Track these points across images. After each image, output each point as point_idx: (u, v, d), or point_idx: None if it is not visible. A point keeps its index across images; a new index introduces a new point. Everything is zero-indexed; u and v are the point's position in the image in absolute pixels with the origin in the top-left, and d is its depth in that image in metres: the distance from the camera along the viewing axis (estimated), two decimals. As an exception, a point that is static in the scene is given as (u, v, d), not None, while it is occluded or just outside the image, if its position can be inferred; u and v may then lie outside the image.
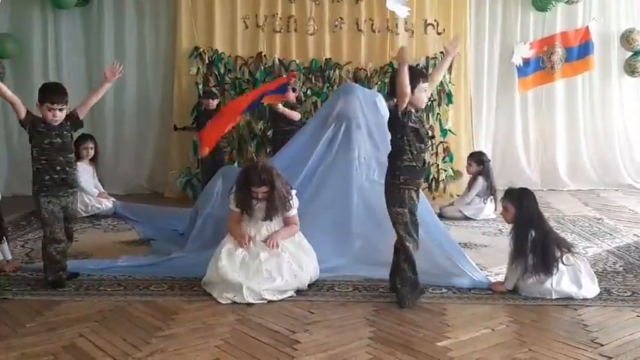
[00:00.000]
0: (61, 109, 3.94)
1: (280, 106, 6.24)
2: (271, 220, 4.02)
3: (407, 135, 3.73)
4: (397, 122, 3.76)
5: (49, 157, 3.96)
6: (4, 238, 4.42)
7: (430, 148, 7.30)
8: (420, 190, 3.95)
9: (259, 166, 3.97)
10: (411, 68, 3.68)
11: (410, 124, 3.72)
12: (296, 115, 6.34)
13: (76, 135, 4.49)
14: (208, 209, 4.83)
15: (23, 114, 3.92)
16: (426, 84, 3.80)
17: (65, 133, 3.99)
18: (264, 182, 3.91)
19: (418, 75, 3.77)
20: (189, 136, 7.43)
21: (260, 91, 6.33)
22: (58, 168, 3.97)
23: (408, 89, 3.63)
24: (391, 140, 3.84)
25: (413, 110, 3.74)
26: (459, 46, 3.73)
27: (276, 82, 6.64)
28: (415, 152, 3.75)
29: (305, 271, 3.93)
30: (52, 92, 3.98)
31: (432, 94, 7.03)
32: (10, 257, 4.39)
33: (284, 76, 7.07)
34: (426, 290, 3.89)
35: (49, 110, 3.91)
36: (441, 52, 7.69)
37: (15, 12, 7.58)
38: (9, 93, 3.87)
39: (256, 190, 3.93)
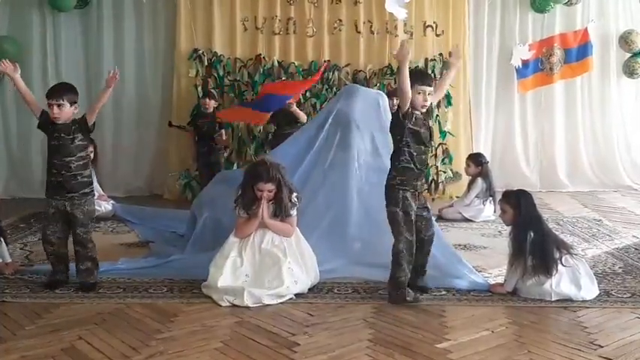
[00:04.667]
0: (59, 106, 3.87)
1: (294, 105, 6.25)
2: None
3: (406, 136, 3.73)
4: (397, 123, 3.77)
5: (49, 159, 3.96)
6: (3, 240, 4.42)
7: (430, 150, 7.30)
8: (422, 193, 3.95)
9: (268, 163, 3.96)
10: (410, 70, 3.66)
11: (410, 125, 3.72)
12: (303, 117, 6.34)
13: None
14: (207, 213, 4.81)
15: (37, 113, 3.97)
16: (425, 87, 3.74)
17: (64, 135, 3.91)
18: (271, 179, 3.86)
19: (417, 77, 3.75)
20: (188, 138, 7.42)
21: (303, 85, 6.50)
22: (54, 171, 3.93)
23: (409, 89, 3.62)
24: (392, 140, 3.84)
25: (417, 112, 3.75)
26: (460, 58, 3.50)
27: (316, 75, 6.91)
28: (414, 154, 3.76)
29: (306, 275, 3.93)
30: (51, 88, 4.03)
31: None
32: (9, 260, 4.38)
33: (320, 69, 7.15)
34: (418, 296, 3.80)
35: (49, 107, 3.91)
36: (440, 54, 7.72)
37: (14, 14, 7.59)
38: (28, 93, 4.02)
39: (262, 188, 3.87)
